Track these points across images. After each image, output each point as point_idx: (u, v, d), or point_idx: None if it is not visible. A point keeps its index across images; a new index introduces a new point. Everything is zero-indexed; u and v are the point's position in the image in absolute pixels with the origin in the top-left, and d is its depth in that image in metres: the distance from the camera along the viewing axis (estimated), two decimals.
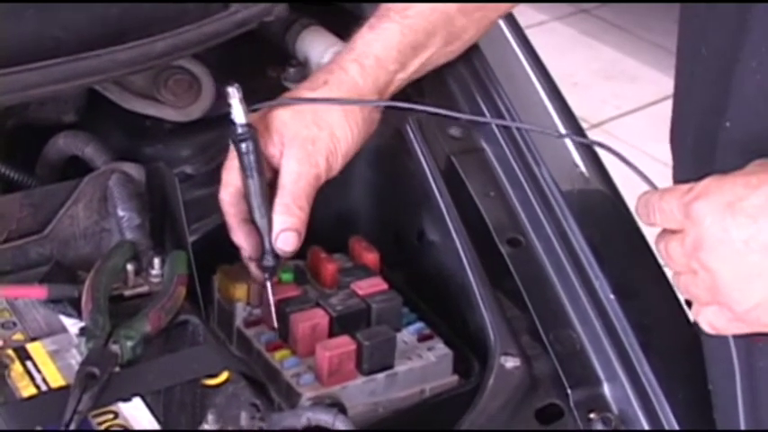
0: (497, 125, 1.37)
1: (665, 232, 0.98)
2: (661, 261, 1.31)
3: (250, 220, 1.21)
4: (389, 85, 1.29)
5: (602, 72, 3.96)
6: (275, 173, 1.22)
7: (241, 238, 1.22)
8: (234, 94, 1.19)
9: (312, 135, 1.22)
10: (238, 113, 1.19)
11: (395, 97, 1.32)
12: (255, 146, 1.19)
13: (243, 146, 1.19)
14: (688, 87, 1.14)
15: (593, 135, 3.56)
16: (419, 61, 1.31)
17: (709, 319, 0.96)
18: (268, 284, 1.22)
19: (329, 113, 1.24)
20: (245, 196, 1.20)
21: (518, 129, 1.37)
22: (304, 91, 1.27)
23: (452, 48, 1.35)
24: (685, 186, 0.96)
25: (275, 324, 1.23)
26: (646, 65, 3.98)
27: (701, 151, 1.08)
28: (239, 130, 1.19)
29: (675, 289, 0.99)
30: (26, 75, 1.23)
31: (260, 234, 1.20)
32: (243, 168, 1.19)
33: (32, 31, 1.28)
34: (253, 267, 1.23)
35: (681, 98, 1.16)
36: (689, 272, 0.95)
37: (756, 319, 0.93)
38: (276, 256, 1.21)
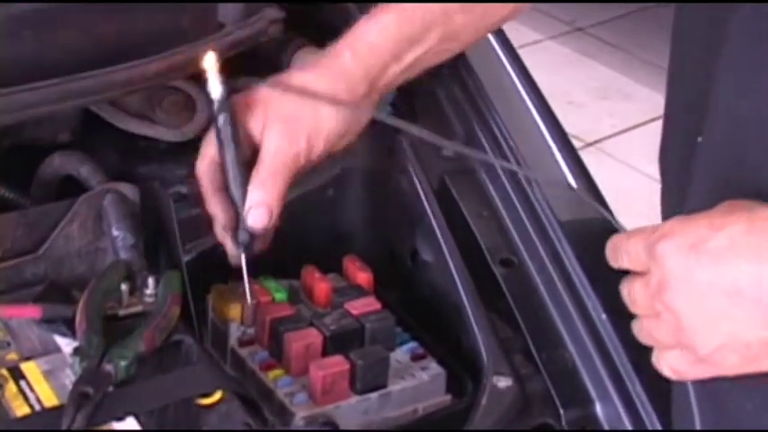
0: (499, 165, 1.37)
1: (631, 275, 0.97)
2: None
3: (225, 191, 1.20)
4: (381, 76, 1.27)
5: (597, 91, 3.98)
6: (255, 149, 1.21)
7: (216, 207, 1.20)
8: (210, 65, 1.17)
9: (296, 112, 1.21)
10: (214, 85, 1.17)
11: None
12: (232, 118, 1.18)
13: (219, 118, 1.18)
14: (673, 110, 1.14)
15: (588, 153, 3.57)
16: (413, 56, 1.28)
17: (671, 363, 0.95)
18: (243, 258, 1.20)
19: (317, 86, 1.21)
20: (222, 168, 1.20)
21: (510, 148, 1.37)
22: (295, 71, 1.26)
23: (449, 46, 1.32)
24: (651, 227, 0.96)
25: (249, 300, 1.22)
26: (640, 83, 3.99)
27: (682, 177, 1.08)
28: (215, 103, 1.17)
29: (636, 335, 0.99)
30: (22, 95, 1.23)
31: (235, 206, 1.20)
32: (219, 140, 1.18)
33: (29, 52, 1.28)
34: (228, 242, 1.21)
35: (667, 121, 1.16)
36: (652, 315, 0.94)
37: (720, 361, 0.92)
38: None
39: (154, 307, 1.19)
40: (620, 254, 0.98)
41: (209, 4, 1.38)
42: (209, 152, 1.21)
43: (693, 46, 1.08)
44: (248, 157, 1.20)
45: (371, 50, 1.25)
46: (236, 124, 1.19)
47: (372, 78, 1.25)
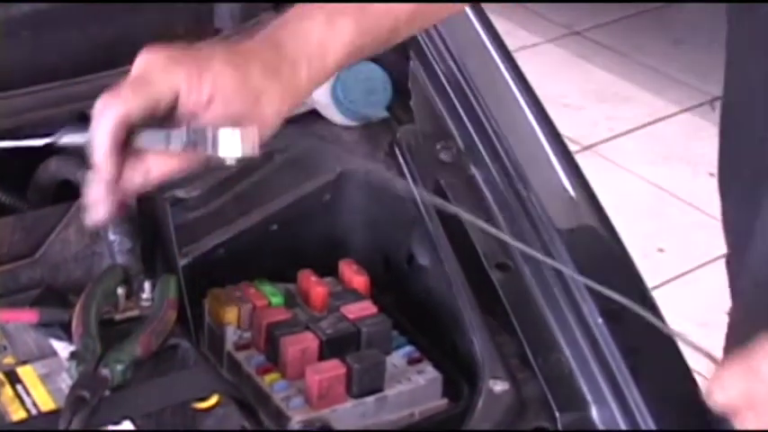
0: None
1: (736, 407, 0.97)
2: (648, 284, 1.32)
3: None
4: (324, 78, 1.16)
5: (595, 94, 3.98)
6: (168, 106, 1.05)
7: (110, 162, 1.04)
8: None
9: (248, 110, 1.08)
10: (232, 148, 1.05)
11: None
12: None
13: (188, 139, 1.04)
14: (734, 120, 1.13)
15: (585, 157, 3.58)
16: (359, 57, 1.19)
17: None
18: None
19: (270, 102, 1.09)
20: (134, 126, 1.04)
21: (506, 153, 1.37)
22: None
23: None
24: (744, 354, 0.96)
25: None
26: (638, 86, 3.99)
27: (754, 185, 1.08)
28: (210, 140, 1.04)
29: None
30: (20, 99, 1.24)
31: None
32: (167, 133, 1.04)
33: (27, 57, 1.29)
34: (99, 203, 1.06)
35: (728, 135, 1.15)
36: None
37: None
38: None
39: (150, 311, 1.19)
40: (718, 389, 0.97)
41: (205, 9, 1.38)
42: (137, 104, 1.04)
43: (758, 53, 1.07)
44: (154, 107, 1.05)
45: (325, 64, 1.15)
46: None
47: (316, 84, 1.16)
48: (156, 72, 1.05)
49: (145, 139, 1.05)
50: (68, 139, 1.09)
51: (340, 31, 1.14)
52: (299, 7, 1.14)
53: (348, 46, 1.15)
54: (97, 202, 1.06)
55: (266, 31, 1.13)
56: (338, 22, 1.14)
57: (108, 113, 1.04)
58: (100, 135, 1.04)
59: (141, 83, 1.05)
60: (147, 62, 1.07)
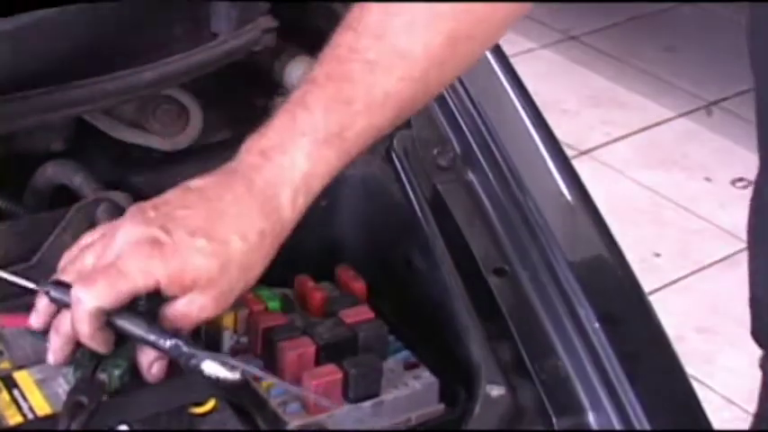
0: None
1: None
2: (645, 289, 1.32)
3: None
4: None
5: (591, 99, 3.98)
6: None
7: (96, 343, 1.10)
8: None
9: (232, 288, 1.13)
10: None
11: None
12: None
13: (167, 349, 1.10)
14: None
15: (581, 162, 3.59)
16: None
17: None
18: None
19: (257, 267, 1.15)
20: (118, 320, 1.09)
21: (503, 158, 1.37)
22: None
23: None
24: None
25: None
26: (634, 92, 4.00)
27: None
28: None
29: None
30: (14, 104, 1.24)
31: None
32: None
33: (21, 61, 1.29)
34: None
35: None
36: None
37: None
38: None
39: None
40: None
41: (201, 11, 1.38)
42: (108, 301, 1.08)
43: None
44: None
45: (308, 195, 1.17)
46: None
47: (300, 215, 1.18)
48: (133, 263, 1.08)
49: (121, 322, 1.09)
50: (56, 295, 1.11)
51: (325, 163, 1.16)
52: (279, 134, 1.16)
53: (330, 173, 1.17)
54: (62, 351, 1.12)
55: (249, 164, 1.15)
56: (321, 154, 1.16)
57: (82, 307, 1.07)
58: (80, 324, 1.08)
59: (117, 276, 1.08)
60: (126, 249, 1.09)
